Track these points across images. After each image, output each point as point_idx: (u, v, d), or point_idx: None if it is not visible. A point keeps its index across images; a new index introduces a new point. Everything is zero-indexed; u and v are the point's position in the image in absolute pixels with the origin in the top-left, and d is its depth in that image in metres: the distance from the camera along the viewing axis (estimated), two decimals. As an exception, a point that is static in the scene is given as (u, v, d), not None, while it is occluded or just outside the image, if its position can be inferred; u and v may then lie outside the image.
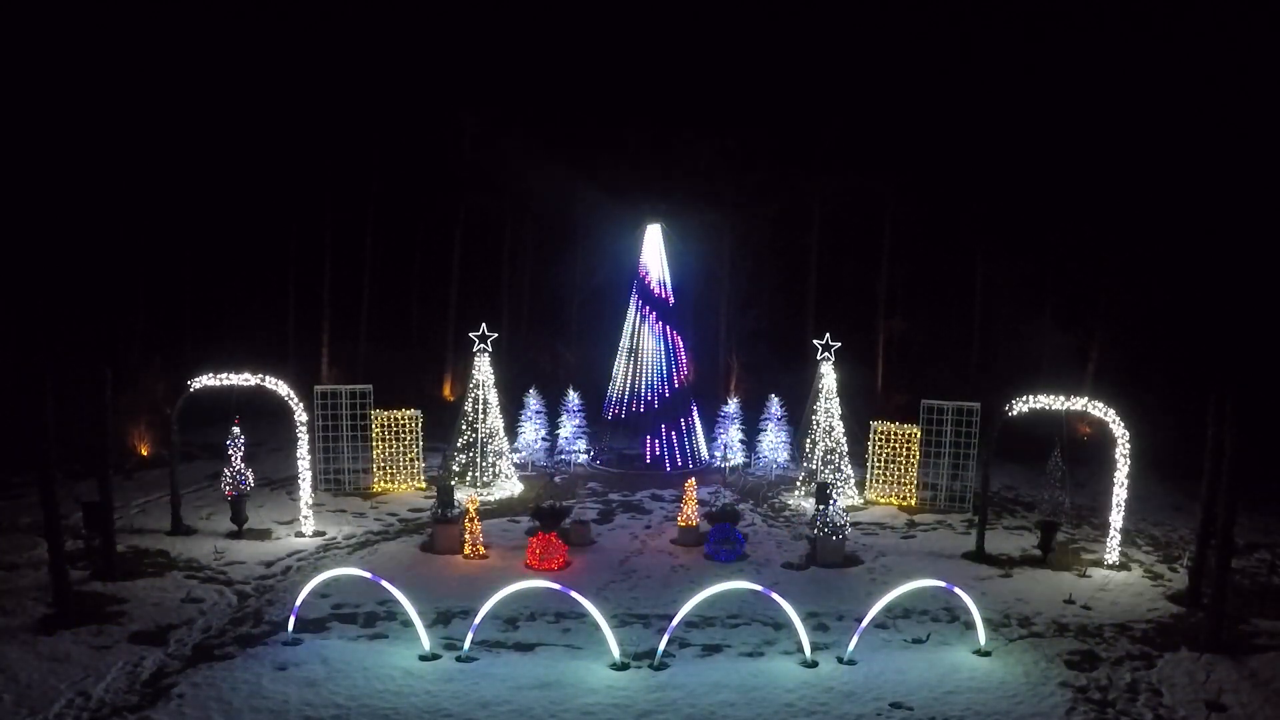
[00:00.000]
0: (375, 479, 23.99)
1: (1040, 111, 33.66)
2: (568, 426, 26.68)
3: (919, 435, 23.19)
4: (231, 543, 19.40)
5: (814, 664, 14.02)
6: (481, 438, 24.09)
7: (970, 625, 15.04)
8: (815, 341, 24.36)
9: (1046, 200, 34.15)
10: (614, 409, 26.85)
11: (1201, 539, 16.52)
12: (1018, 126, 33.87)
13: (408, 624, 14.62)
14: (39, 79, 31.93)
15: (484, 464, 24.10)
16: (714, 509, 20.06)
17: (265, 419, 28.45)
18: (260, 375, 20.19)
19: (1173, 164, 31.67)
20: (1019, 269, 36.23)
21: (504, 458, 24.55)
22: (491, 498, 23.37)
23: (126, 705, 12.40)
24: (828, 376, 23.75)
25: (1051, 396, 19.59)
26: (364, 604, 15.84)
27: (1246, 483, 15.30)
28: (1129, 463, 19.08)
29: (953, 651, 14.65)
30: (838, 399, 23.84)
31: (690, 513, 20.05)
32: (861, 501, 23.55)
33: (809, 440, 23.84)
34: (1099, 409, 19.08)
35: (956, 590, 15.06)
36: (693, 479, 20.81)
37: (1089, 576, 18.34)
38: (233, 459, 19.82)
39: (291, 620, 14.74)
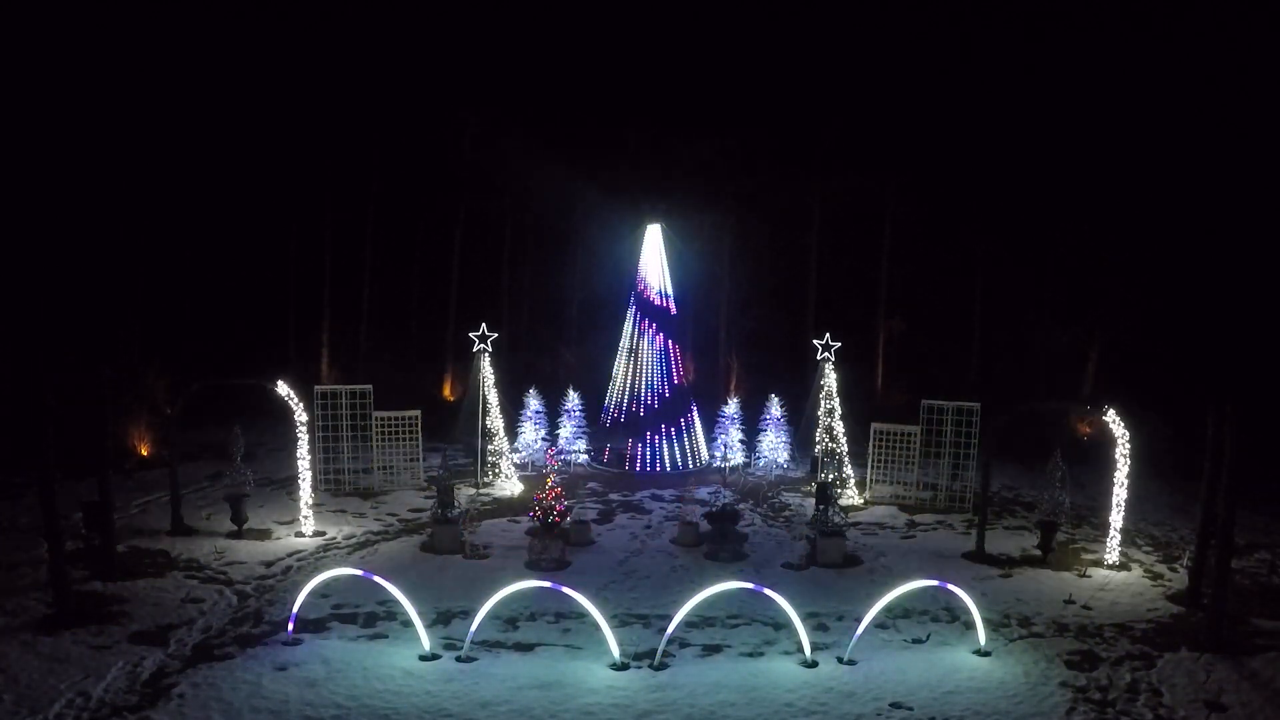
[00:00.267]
0: (375, 479, 23.99)
1: (1040, 111, 33.66)
2: (567, 427, 26.68)
3: (919, 435, 23.18)
4: (231, 543, 19.40)
5: (814, 664, 14.02)
6: (481, 438, 24.07)
7: (970, 625, 15.04)
8: (815, 341, 24.36)
9: (1046, 200, 34.16)
10: (614, 412, 26.84)
11: (1201, 539, 16.53)
12: (1018, 126, 33.88)
13: (408, 624, 14.62)
14: (39, 79, 31.92)
15: (484, 464, 24.10)
16: (714, 509, 20.05)
17: (265, 419, 28.48)
18: (260, 375, 20.19)
19: (1173, 163, 31.67)
20: (1019, 268, 36.25)
21: (504, 458, 24.54)
22: (491, 497, 23.36)
23: (126, 705, 12.40)
24: (828, 376, 23.75)
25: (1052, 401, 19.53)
26: (364, 604, 15.84)
27: (1246, 483, 15.30)
28: (1129, 463, 19.08)
29: (953, 651, 14.65)
30: (838, 399, 23.84)
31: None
32: (861, 501, 23.55)
33: (817, 442, 23.84)
34: (1111, 418, 18.96)
35: (950, 587, 15.08)
36: (692, 480, 20.78)
37: (1089, 576, 18.34)
38: (233, 459, 19.82)
39: (291, 620, 14.74)
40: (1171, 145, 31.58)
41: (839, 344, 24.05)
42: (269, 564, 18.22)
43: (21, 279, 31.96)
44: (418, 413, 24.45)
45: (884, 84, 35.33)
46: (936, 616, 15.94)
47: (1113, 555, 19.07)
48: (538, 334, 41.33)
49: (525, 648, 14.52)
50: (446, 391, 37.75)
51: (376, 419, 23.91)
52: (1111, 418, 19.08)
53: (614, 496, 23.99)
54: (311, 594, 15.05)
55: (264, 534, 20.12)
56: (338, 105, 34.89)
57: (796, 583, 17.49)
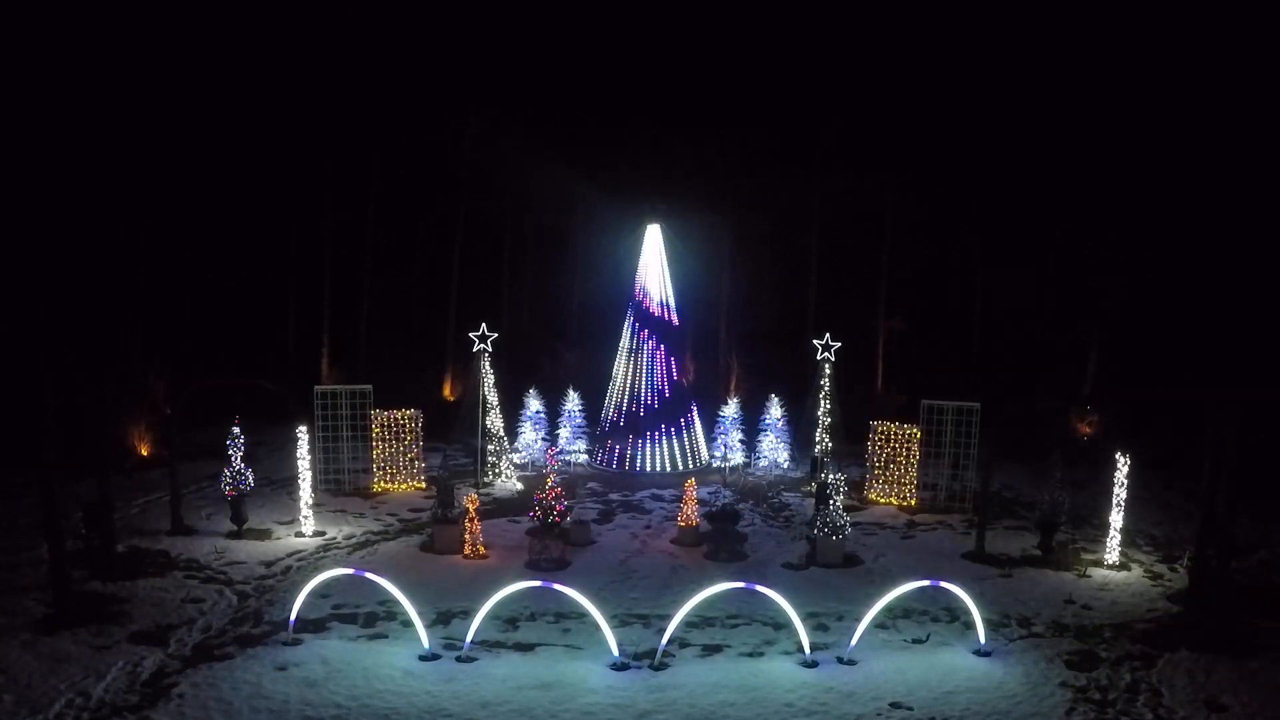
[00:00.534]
0: (375, 479, 23.99)
1: (1040, 111, 33.66)
2: (566, 429, 26.70)
3: (919, 435, 23.19)
4: (231, 543, 19.40)
5: (814, 664, 14.03)
6: (481, 438, 24.08)
7: (970, 625, 15.04)
8: (815, 341, 24.36)
9: (1046, 200, 34.16)
10: (613, 414, 26.83)
11: (1201, 539, 16.53)
12: (1018, 126, 33.87)
13: (408, 624, 14.63)
14: (40, 78, 31.92)
15: (484, 464, 24.10)
16: (714, 509, 20.06)
17: (265, 419, 28.47)
18: (259, 375, 20.19)
19: (1172, 163, 31.66)
20: (1019, 268, 36.24)
21: (504, 458, 24.54)
22: (492, 497, 23.37)
23: (126, 705, 12.41)
24: (827, 376, 23.75)
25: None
26: (364, 604, 15.84)
27: (1246, 483, 15.29)
28: (1129, 462, 19.08)
29: (953, 651, 14.66)
30: (827, 400, 23.83)
31: (690, 513, 20.05)
32: (861, 501, 23.55)
33: (816, 441, 23.84)
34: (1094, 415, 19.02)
35: (950, 587, 15.10)
36: (692, 480, 20.79)
37: (1089, 576, 18.34)
38: (233, 459, 19.82)
39: (291, 620, 14.74)
40: (1171, 145, 31.57)
41: (839, 344, 24.04)
42: (269, 564, 18.23)
43: (22, 279, 31.95)
44: (418, 413, 24.44)
45: (884, 84, 35.32)
46: (936, 616, 15.95)
47: (1113, 555, 19.07)
48: (538, 334, 41.31)
49: (525, 648, 14.52)
50: (446, 391, 37.74)
51: (376, 418, 23.90)
52: (1111, 417, 19.08)
53: (614, 496, 23.99)
54: (311, 594, 15.05)
55: (264, 534, 20.12)
56: (338, 105, 34.88)
57: (796, 583, 17.49)
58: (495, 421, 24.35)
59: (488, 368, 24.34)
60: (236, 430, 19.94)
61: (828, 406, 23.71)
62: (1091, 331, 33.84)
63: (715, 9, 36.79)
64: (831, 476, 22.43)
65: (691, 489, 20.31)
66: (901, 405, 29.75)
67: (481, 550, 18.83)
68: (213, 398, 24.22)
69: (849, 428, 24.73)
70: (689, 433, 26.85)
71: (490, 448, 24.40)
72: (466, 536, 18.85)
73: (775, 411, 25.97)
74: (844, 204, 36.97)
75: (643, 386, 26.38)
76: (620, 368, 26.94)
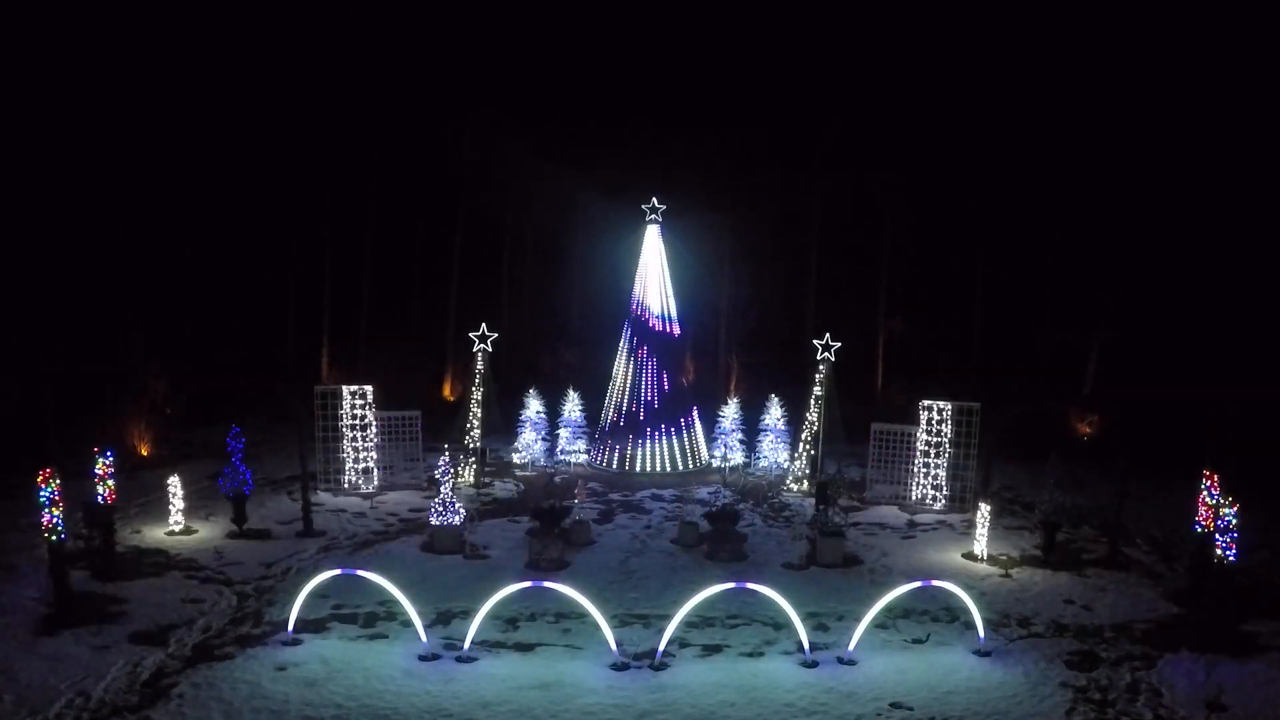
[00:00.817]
0: (375, 479, 23.98)
1: (1040, 111, 33.67)
2: (565, 433, 26.71)
3: (919, 435, 23.18)
4: (231, 543, 19.40)
5: (814, 664, 14.03)
6: (481, 438, 24.09)
7: (970, 625, 15.04)
8: (815, 341, 24.35)
9: (1046, 200, 34.16)
10: (613, 414, 26.82)
11: (1202, 538, 16.52)
12: (1018, 126, 33.88)
13: (408, 624, 14.63)
14: (40, 78, 31.92)
15: (483, 464, 24.10)
16: (714, 509, 20.05)
17: (265, 419, 28.49)
18: (260, 375, 20.18)
19: (1172, 163, 31.67)
20: (1019, 268, 36.23)
21: (504, 457, 24.53)
22: (491, 497, 23.37)
23: (126, 705, 12.40)
24: (827, 376, 23.75)
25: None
26: (364, 604, 15.84)
27: (1247, 483, 15.29)
28: (1129, 462, 19.06)
29: (952, 651, 14.66)
30: (837, 399, 23.83)
31: None
32: (861, 501, 23.54)
33: (808, 440, 23.83)
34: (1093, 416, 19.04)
35: (941, 584, 15.10)
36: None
37: (1089, 576, 18.34)
38: (233, 459, 19.82)
39: (291, 620, 14.74)
40: (1171, 145, 31.58)
41: (839, 344, 24.03)
42: (269, 564, 18.22)
43: (22, 280, 31.95)
44: (418, 413, 24.45)
45: (884, 85, 35.34)
46: (936, 616, 15.94)
47: (1113, 555, 19.05)
48: (538, 334, 41.32)
49: (525, 648, 14.52)
50: (446, 391, 37.75)
51: (376, 419, 23.90)
52: (1111, 418, 19.08)
53: (614, 496, 23.99)
54: (311, 594, 15.05)
55: (264, 534, 20.11)
56: (338, 106, 34.89)
57: (796, 583, 17.49)
58: (495, 421, 24.34)
59: (487, 367, 24.34)
60: (237, 430, 19.93)
61: (819, 414, 23.58)
62: (1091, 331, 33.85)
63: (715, 9, 36.80)
64: (834, 473, 22.45)
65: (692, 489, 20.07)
66: (901, 405, 29.74)
67: (481, 550, 18.78)
68: (213, 398, 24.26)
69: (849, 428, 24.71)
70: (689, 433, 26.85)
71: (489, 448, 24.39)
72: (467, 536, 18.81)
73: (775, 412, 25.96)
74: (844, 204, 37.00)
75: (643, 386, 26.36)
76: (620, 368, 26.93)
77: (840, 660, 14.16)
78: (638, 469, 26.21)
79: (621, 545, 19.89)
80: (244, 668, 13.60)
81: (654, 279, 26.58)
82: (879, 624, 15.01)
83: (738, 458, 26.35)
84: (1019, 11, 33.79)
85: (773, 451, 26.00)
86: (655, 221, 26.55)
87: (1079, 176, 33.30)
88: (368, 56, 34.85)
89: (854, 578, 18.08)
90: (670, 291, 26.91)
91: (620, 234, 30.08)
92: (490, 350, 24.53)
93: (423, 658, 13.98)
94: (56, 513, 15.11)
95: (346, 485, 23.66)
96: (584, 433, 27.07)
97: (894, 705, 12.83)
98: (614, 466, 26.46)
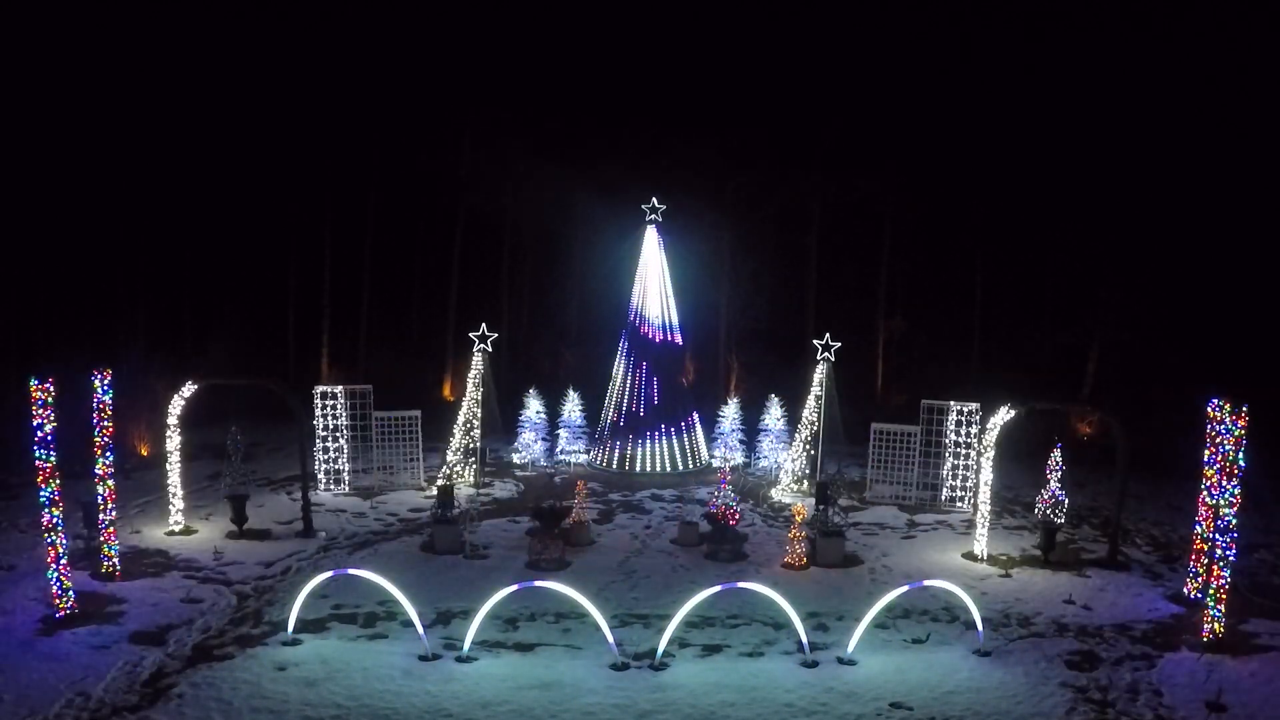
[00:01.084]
0: (375, 479, 23.98)
1: (1040, 111, 33.65)
2: (566, 432, 26.72)
3: (919, 435, 23.18)
4: (231, 543, 19.40)
5: (814, 664, 14.03)
6: (480, 438, 24.08)
7: (970, 625, 15.04)
8: (815, 341, 24.35)
9: (1046, 200, 34.14)
10: (613, 414, 26.81)
11: (1201, 539, 16.51)
12: (1018, 126, 33.86)
13: (408, 624, 14.63)
14: (40, 78, 31.93)
15: (482, 464, 24.10)
16: (714, 509, 20.04)
17: (265, 419, 28.47)
18: (260, 375, 20.18)
19: (1172, 163, 31.65)
20: (1019, 269, 36.21)
21: (504, 458, 24.54)
22: (491, 497, 23.37)
23: (126, 705, 12.40)
24: (827, 376, 23.75)
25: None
26: (364, 604, 15.83)
27: (1247, 483, 15.28)
28: (1129, 462, 19.06)
29: (952, 651, 14.65)
30: (838, 399, 23.83)
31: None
32: (861, 501, 23.54)
33: (807, 440, 23.82)
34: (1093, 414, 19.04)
35: (941, 584, 15.09)
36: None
37: (1089, 576, 18.34)
38: (233, 459, 19.82)
39: (291, 620, 14.74)
40: (1171, 145, 31.56)
41: (839, 344, 24.03)
42: (269, 564, 18.22)
43: (23, 279, 31.97)
44: (417, 413, 24.45)
45: (883, 84, 35.32)
46: (936, 616, 15.94)
47: (1113, 555, 19.05)
48: (538, 334, 41.31)
49: (525, 648, 14.52)
50: (446, 391, 37.75)
51: (376, 419, 23.90)
52: (1111, 418, 19.07)
53: (614, 496, 23.99)
54: (311, 594, 15.05)
55: (264, 534, 20.11)
56: (338, 106, 34.88)
57: (796, 583, 17.49)
58: (493, 422, 24.33)
59: (486, 367, 24.34)
60: (236, 430, 19.93)
61: (819, 414, 23.56)
62: (1091, 331, 33.83)
63: (715, 9, 36.80)
64: (834, 473, 22.46)
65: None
66: (901, 405, 29.75)
67: (481, 550, 18.79)
68: (213, 398, 24.17)
69: (849, 428, 24.71)
70: (689, 433, 26.85)
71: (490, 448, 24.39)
72: (467, 536, 18.82)
73: (775, 412, 25.95)
74: (844, 204, 36.98)
75: (641, 406, 26.28)
76: (617, 383, 26.90)
77: (840, 660, 14.16)
78: (638, 469, 26.20)
79: (621, 545, 19.88)
80: (244, 668, 13.59)
81: (654, 284, 26.51)
82: (879, 624, 15.01)
83: (738, 458, 26.35)
84: (1019, 11, 33.78)
85: (773, 452, 25.99)
86: (655, 221, 26.53)
87: (1079, 176, 33.28)
88: (368, 57, 34.85)
89: (854, 578, 18.08)
90: (671, 298, 26.84)
91: (620, 234, 30.07)
92: (490, 350, 24.52)
93: (423, 658, 13.97)
94: (56, 513, 15.11)
95: (346, 486, 23.65)
96: (584, 433, 27.08)
97: (894, 705, 12.83)
98: (614, 467, 26.46)
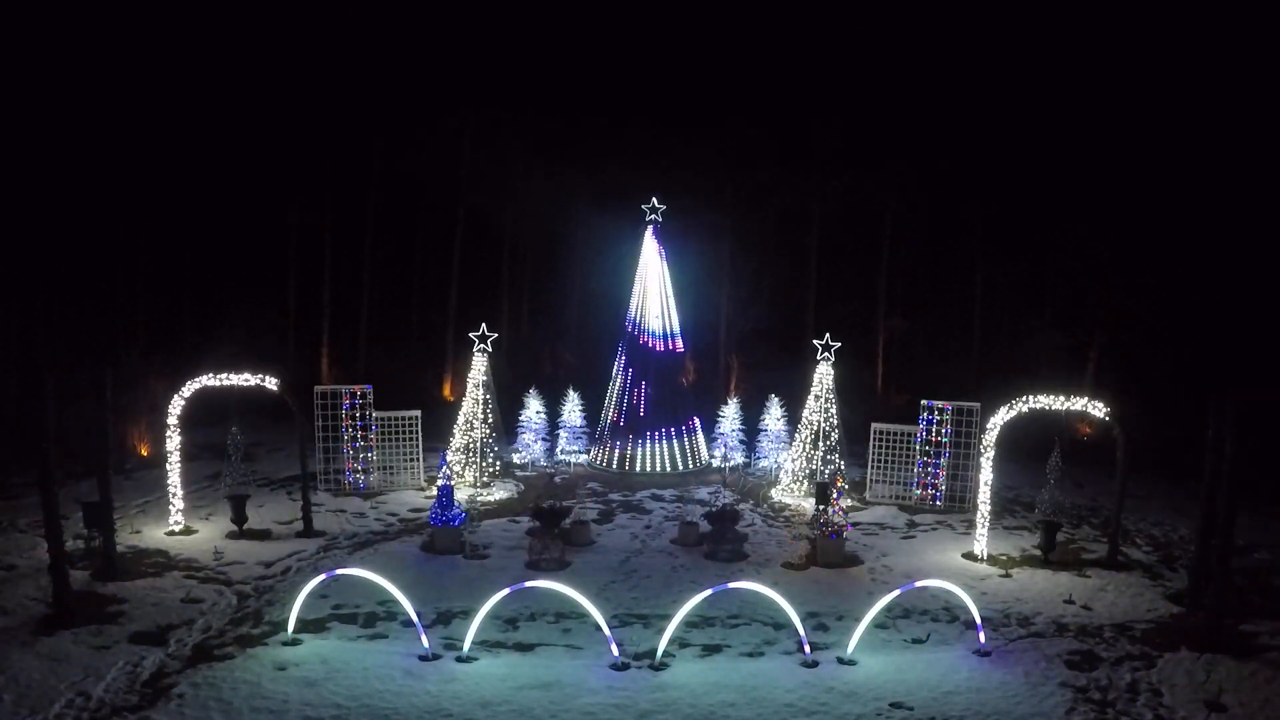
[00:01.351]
0: (375, 479, 23.99)
1: (1040, 111, 33.67)
2: (565, 434, 26.71)
3: (919, 435, 23.18)
4: (231, 543, 19.40)
5: (814, 664, 14.03)
6: (481, 438, 24.09)
7: (970, 625, 15.04)
8: (815, 341, 24.36)
9: (1046, 200, 34.16)
10: (613, 413, 26.81)
11: (1201, 539, 16.53)
12: (1018, 126, 33.88)
13: (408, 624, 14.64)
14: (40, 78, 31.93)
15: (484, 464, 24.10)
16: (714, 509, 20.05)
17: (265, 419, 28.47)
18: (260, 375, 20.17)
19: (1172, 163, 31.67)
20: (1019, 269, 36.24)
21: (491, 459, 24.51)
22: (491, 498, 23.38)
23: (126, 705, 12.40)
24: (827, 376, 23.75)
25: (1051, 397, 19.51)
26: (364, 604, 15.84)
27: (1246, 482, 15.29)
28: (1129, 462, 19.06)
29: (953, 651, 14.65)
30: (834, 399, 23.84)
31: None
32: (860, 502, 23.55)
33: (808, 440, 23.82)
34: (1098, 408, 19.05)
35: (938, 584, 15.10)
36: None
37: (1089, 576, 18.34)
38: (233, 459, 19.82)
39: (291, 620, 14.74)
40: (1171, 145, 31.57)
41: (839, 344, 24.05)
42: (269, 564, 18.22)
43: (22, 279, 31.97)
44: (418, 413, 24.46)
45: (883, 84, 35.34)
46: (936, 616, 15.95)
47: (1113, 555, 19.06)
48: (538, 334, 41.33)
49: (525, 648, 14.52)
50: (446, 391, 37.76)
51: (376, 419, 23.91)
52: (1111, 418, 19.08)
53: (614, 496, 23.99)
54: (311, 594, 15.05)
55: (264, 534, 20.11)
56: (338, 105, 34.89)
57: (796, 583, 17.49)
58: (493, 421, 24.31)
59: (487, 367, 24.34)
60: (236, 430, 19.93)
61: (819, 414, 23.54)
62: (1091, 331, 33.84)
63: (715, 9, 36.82)
64: (834, 472, 22.45)
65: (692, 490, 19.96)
66: (901, 405, 29.75)
67: (481, 550, 18.77)
68: (213, 398, 24.12)
69: (849, 428, 24.71)
70: (690, 435, 26.84)
71: (490, 448, 24.38)
72: (466, 536, 18.79)
73: (775, 412, 25.95)
74: (844, 204, 37.00)
75: (641, 409, 26.28)
76: (617, 384, 26.88)
77: (840, 660, 14.16)
78: (638, 469, 26.21)
79: (621, 545, 19.88)
80: (244, 668, 13.59)
81: (654, 290, 26.45)
82: (879, 624, 15.02)
83: (738, 458, 26.35)
84: (1019, 11, 33.79)
85: (773, 452, 25.99)
86: (655, 221, 26.53)
87: (1079, 176, 33.29)
88: (368, 57, 34.86)
89: (854, 578, 18.08)
90: (673, 306, 26.79)
91: (620, 233, 30.08)
92: (489, 350, 24.53)
93: (423, 658, 13.98)
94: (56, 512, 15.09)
95: (346, 486, 23.66)
96: (584, 433, 27.09)
97: (894, 705, 12.83)
98: (614, 467, 26.46)
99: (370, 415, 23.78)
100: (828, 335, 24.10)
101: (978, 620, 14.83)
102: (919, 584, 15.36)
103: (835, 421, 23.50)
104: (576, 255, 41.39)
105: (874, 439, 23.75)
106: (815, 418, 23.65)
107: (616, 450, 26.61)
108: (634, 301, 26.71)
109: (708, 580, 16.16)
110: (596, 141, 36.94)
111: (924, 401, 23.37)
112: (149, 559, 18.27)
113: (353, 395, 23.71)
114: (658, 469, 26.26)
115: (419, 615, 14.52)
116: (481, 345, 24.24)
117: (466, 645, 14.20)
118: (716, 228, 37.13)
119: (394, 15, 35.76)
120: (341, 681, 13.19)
